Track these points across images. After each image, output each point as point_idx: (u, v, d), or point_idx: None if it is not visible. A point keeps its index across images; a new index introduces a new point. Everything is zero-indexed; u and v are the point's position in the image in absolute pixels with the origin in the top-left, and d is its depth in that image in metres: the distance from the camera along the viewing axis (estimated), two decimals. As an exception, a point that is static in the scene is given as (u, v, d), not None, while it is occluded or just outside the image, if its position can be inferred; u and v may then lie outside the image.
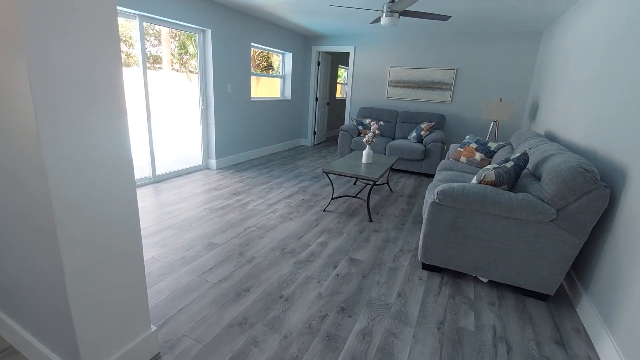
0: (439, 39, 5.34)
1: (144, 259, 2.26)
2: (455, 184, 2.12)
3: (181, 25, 3.89)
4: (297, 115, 6.59)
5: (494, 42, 5.01)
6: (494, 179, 2.12)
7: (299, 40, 6.15)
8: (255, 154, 5.48)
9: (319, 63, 6.45)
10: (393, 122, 5.60)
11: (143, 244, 2.47)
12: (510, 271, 2.09)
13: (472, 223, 2.08)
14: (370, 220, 3.14)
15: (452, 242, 2.16)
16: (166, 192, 3.61)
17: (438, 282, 2.21)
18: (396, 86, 5.79)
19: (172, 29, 3.95)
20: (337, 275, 2.20)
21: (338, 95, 8.83)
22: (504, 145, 3.58)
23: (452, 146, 4.09)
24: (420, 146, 4.79)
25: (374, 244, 2.68)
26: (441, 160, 4.78)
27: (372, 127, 3.45)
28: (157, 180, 3.97)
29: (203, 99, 4.39)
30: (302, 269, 2.25)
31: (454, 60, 5.31)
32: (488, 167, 2.20)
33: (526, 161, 2.21)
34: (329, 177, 3.30)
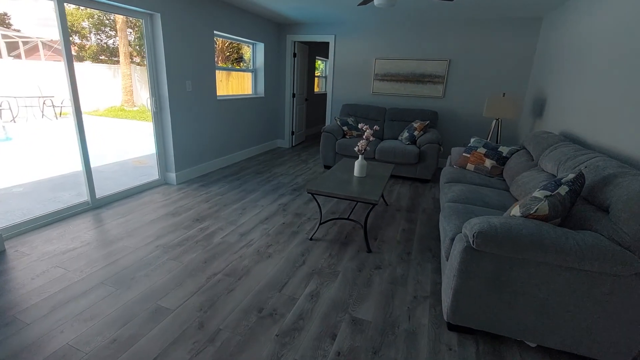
0: (429, 26, 4.76)
1: (50, 349, 1.53)
2: (495, 220, 1.54)
3: (118, 7, 3.06)
4: (272, 114, 5.86)
5: (489, 30, 4.49)
6: (547, 212, 1.55)
7: (271, 28, 5.39)
8: (226, 161, 4.72)
9: (294, 54, 5.73)
10: (381, 121, 5.00)
11: (55, 319, 1.74)
12: (572, 336, 1.54)
13: (524, 276, 1.51)
14: (369, 251, 2.53)
15: (493, 301, 1.59)
16: (108, 222, 2.83)
17: (474, 352, 1.63)
18: (383, 80, 5.19)
19: (119, 15, 3.10)
20: (339, 354, 1.58)
21: (316, 89, 8.14)
22: (518, 150, 3.06)
23: (455, 150, 3.55)
24: (414, 148, 4.23)
25: (379, 290, 2.07)
26: (437, 163, 4.25)
27: (365, 134, 2.82)
28: (98, 205, 3.16)
29: (155, 100, 3.58)
30: (289, 347, 1.60)
31: (446, 50, 4.76)
32: (536, 195, 1.63)
33: (582, 184, 1.66)
34: (315, 199, 2.65)
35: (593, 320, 1.48)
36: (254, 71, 5.40)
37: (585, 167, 1.69)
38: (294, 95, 5.95)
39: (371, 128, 4.92)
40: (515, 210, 1.67)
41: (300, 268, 2.26)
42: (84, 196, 3.14)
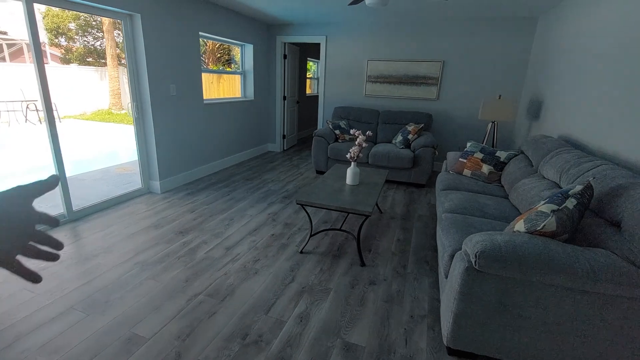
0: (422, 27, 4.65)
1: (8, 390, 1.36)
2: (499, 237, 1.41)
3: (93, 7, 2.88)
4: (262, 118, 5.70)
5: (484, 30, 4.40)
6: (555, 228, 1.42)
7: (260, 29, 5.23)
8: (214, 167, 4.55)
9: (285, 56, 5.58)
10: (374, 124, 4.88)
11: (19, 350, 1.56)
12: (583, 363, 1.42)
13: (530, 299, 1.38)
14: (363, 264, 2.39)
15: (497, 325, 1.46)
16: (84, 237, 2.65)
17: (476, 381, 1.50)
18: (375, 82, 5.06)
19: (96, 16, 2.92)
20: (329, 388, 1.43)
21: (308, 91, 8.00)
22: (516, 155, 2.95)
23: (450, 155, 3.43)
24: (408, 152, 4.11)
25: (373, 309, 1.93)
26: (432, 167, 4.13)
27: (357, 140, 2.69)
28: (75, 217, 2.97)
29: (136, 105, 3.41)
30: (274, 381, 1.45)
31: (440, 51, 4.65)
32: (543, 209, 1.50)
33: (591, 197, 1.54)
34: (305, 210, 2.50)
35: (605, 346, 1.36)
36: (243, 73, 5.24)
37: (594, 177, 1.57)
38: (284, 98, 5.80)
39: (364, 132, 4.79)
40: (520, 225, 1.55)
41: (289, 285, 2.11)
42: (60, 208, 2.95)
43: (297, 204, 2.38)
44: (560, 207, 1.46)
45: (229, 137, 4.81)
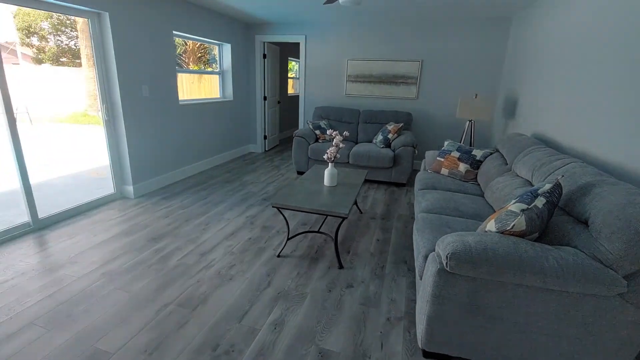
0: (400, 27, 4.66)
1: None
2: (470, 238, 1.40)
3: (58, 5, 2.74)
4: (242, 119, 5.60)
5: (460, 30, 4.44)
6: (524, 228, 1.42)
7: (238, 28, 5.14)
8: (192, 170, 4.44)
9: (264, 55, 5.50)
10: (355, 123, 4.86)
11: (-32, 373, 1.46)
12: (554, 362, 1.42)
13: (501, 299, 1.37)
14: (341, 267, 2.36)
15: (470, 326, 1.45)
16: (50, 246, 2.52)
17: (451, 383, 1.49)
18: (355, 81, 5.05)
19: (56, 13, 2.78)
20: (301, 398, 1.39)
21: (290, 91, 7.93)
22: (491, 153, 2.98)
23: (429, 154, 3.44)
24: (388, 152, 4.11)
25: (349, 313, 1.90)
26: (412, 166, 4.15)
27: (334, 140, 2.65)
28: (42, 225, 2.83)
29: (106, 107, 3.27)
30: (245, 393, 1.40)
31: (418, 50, 4.67)
32: (512, 209, 1.50)
33: (560, 195, 1.55)
34: (282, 214, 2.45)
35: (576, 344, 1.37)
36: (222, 73, 5.13)
37: (562, 176, 1.58)
38: (265, 98, 5.72)
39: (342, 133, 4.77)
40: (491, 225, 1.54)
41: (264, 291, 2.06)
42: (24, 216, 2.80)
43: (273, 207, 2.33)
44: (529, 206, 1.46)
45: (207, 138, 4.70)
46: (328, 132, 2.74)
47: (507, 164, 2.66)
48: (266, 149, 6.04)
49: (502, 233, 1.46)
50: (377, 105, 5.07)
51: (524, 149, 2.50)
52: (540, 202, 1.48)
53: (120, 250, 2.48)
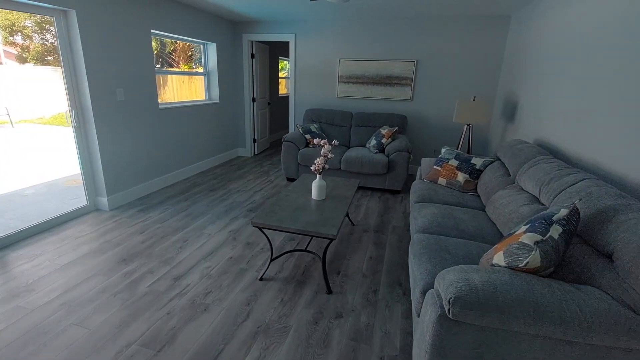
0: (395, 25, 4.44)
1: None
2: (476, 277, 1.18)
3: (17, 3, 2.47)
4: (230, 121, 5.35)
5: (456, 29, 4.23)
6: (539, 264, 1.21)
7: (224, 26, 4.87)
8: (174, 178, 4.18)
9: (252, 55, 5.24)
10: (347, 127, 4.64)
11: None
12: (574, 420, 1.21)
13: (514, 352, 1.16)
14: (329, 292, 2.13)
15: (475, 381, 1.23)
16: (8, 270, 2.26)
17: None
18: (348, 82, 4.82)
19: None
20: None
21: (282, 91, 7.67)
22: (492, 162, 2.77)
23: (425, 161, 3.23)
24: (382, 157, 3.89)
25: (338, 351, 1.68)
26: (407, 172, 3.93)
27: (322, 150, 2.43)
28: (3, 245, 2.56)
29: (75, 113, 3.01)
30: None
31: (413, 50, 4.46)
32: (524, 240, 1.28)
33: (578, 221, 1.34)
34: (264, 233, 2.22)
35: (600, 402, 1.16)
36: (207, 74, 4.87)
37: (580, 199, 1.37)
38: (254, 100, 5.47)
39: (334, 137, 4.54)
40: (499, 258, 1.33)
41: (242, 325, 1.83)
42: (-19, 235, 2.54)
43: (254, 226, 2.10)
44: (544, 238, 1.25)
45: (191, 143, 4.44)
46: (315, 141, 2.51)
47: (509, 175, 2.45)
48: (256, 153, 5.79)
49: (512, 269, 1.25)
50: (370, 107, 4.85)
51: (529, 160, 2.29)
52: (556, 231, 1.27)
53: (86, 274, 2.23)
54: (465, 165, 2.79)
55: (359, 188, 4.22)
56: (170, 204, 3.47)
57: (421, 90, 4.58)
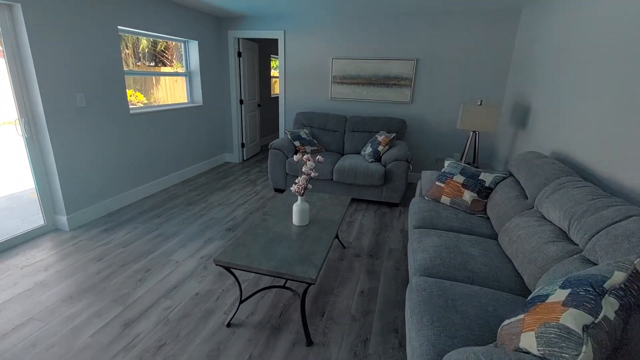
0: (392, 20, 4.04)
1: None
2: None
3: (-62, -9, 2.09)
4: (215, 126, 4.96)
5: (460, 24, 3.83)
6: (592, 358, 0.83)
7: (207, 23, 4.48)
8: (150, 189, 3.81)
9: (239, 54, 4.85)
10: (341, 132, 4.25)
11: None
12: None
13: None
14: (309, 343, 1.76)
15: None
16: None
17: None
18: (342, 83, 4.43)
19: None
20: None
21: (276, 92, 7.28)
22: (504, 178, 2.39)
23: (426, 176, 2.84)
24: (378, 167, 3.51)
25: None
26: (406, 182, 3.55)
27: (304, 168, 2.05)
28: None
29: (25, 122, 2.63)
30: None
31: (413, 48, 4.06)
32: (568, 323, 0.90)
33: (639, 290, 0.96)
34: (231, 273, 1.84)
35: None
36: (189, 75, 4.48)
37: (639, 258, 1.00)
38: (241, 102, 5.08)
39: (324, 146, 4.15)
40: (529, 341, 0.95)
41: (196, 395, 1.46)
42: None
43: (217, 265, 1.72)
44: (596, 320, 0.87)
45: (170, 151, 4.06)
46: (295, 157, 2.13)
47: (526, 198, 2.07)
48: (244, 158, 5.41)
49: (551, 366, 0.87)
50: (366, 110, 4.46)
51: (551, 180, 1.91)
52: (611, 307, 0.89)
53: (20, 319, 1.87)
54: (472, 182, 2.40)
55: (353, 200, 3.84)
56: (140, 222, 3.10)
57: (421, 92, 4.19)
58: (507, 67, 3.83)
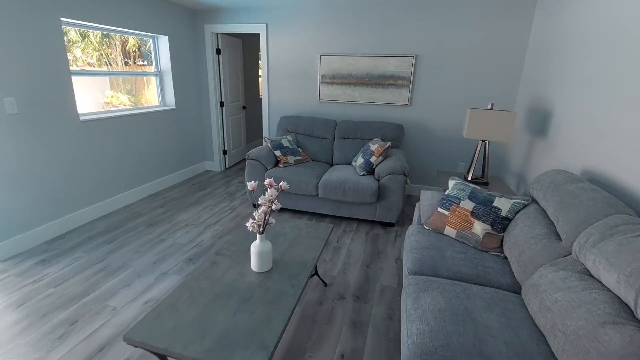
0: (389, 11, 3.53)
1: None
2: None
3: None
4: (192, 131, 4.46)
5: (466, 15, 3.32)
6: None
7: (179, 15, 3.98)
8: (110, 206, 3.32)
9: (218, 51, 4.35)
10: (329, 139, 3.75)
11: None
12: None
13: None
14: None
15: None
16: None
17: None
18: (331, 83, 3.92)
19: None
20: None
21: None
22: (525, 205, 1.88)
23: (426, 197, 2.33)
24: (371, 182, 3.01)
25: None
26: (404, 199, 3.04)
27: (261, 199, 1.55)
28: None
29: None
30: None
31: (412, 42, 3.55)
32: None
33: None
34: (153, 353, 1.35)
35: None
36: (159, 74, 3.99)
37: None
38: (222, 104, 4.59)
39: (312, 155, 3.63)
40: None
41: None
42: None
43: (128, 344, 1.22)
44: None
45: (134, 162, 3.57)
46: (249, 185, 1.63)
47: (558, 236, 1.56)
48: (227, 167, 4.92)
49: None
50: (358, 114, 3.96)
51: (595, 218, 1.40)
52: None
53: None
54: (484, 210, 1.89)
55: (342, 219, 3.34)
56: (86, 250, 2.61)
57: (421, 93, 3.68)
58: (521, 64, 3.31)
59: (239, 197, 3.80)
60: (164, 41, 3.85)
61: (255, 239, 1.75)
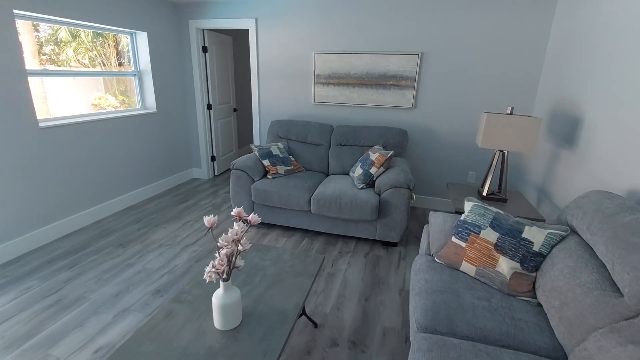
0: (390, 5, 3.16)
1: None
2: None
3: None
4: (177, 137, 4.10)
5: (477, 7, 2.95)
6: None
7: (160, 10, 3.62)
8: (74, 224, 2.96)
9: (205, 49, 3.99)
10: (325, 146, 3.37)
11: None
12: None
13: None
14: None
15: None
16: None
17: None
18: (327, 83, 3.55)
19: None
20: None
21: (258, 93, 6.38)
22: (563, 237, 1.50)
23: (436, 221, 1.95)
24: (370, 196, 2.64)
25: None
26: (408, 215, 2.67)
27: (223, 236, 1.19)
28: None
29: None
30: None
31: (417, 39, 3.18)
32: None
33: None
34: None
35: None
36: (138, 75, 3.63)
37: None
38: (209, 107, 4.23)
39: (304, 164, 3.25)
40: None
41: None
42: None
43: None
44: None
45: (108, 172, 3.21)
46: (205, 220, 1.26)
47: (615, 286, 1.19)
48: (215, 174, 4.56)
49: None
50: (357, 118, 3.59)
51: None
52: None
53: None
54: (512, 242, 1.52)
55: (338, 238, 2.97)
56: (41, 276, 2.25)
57: (427, 95, 3.30)
58: (540, 61, 2.93)
59: (225, 210, 3.44)
60: (142, 38, 3.49)
61: (217, 291, 1.36)
